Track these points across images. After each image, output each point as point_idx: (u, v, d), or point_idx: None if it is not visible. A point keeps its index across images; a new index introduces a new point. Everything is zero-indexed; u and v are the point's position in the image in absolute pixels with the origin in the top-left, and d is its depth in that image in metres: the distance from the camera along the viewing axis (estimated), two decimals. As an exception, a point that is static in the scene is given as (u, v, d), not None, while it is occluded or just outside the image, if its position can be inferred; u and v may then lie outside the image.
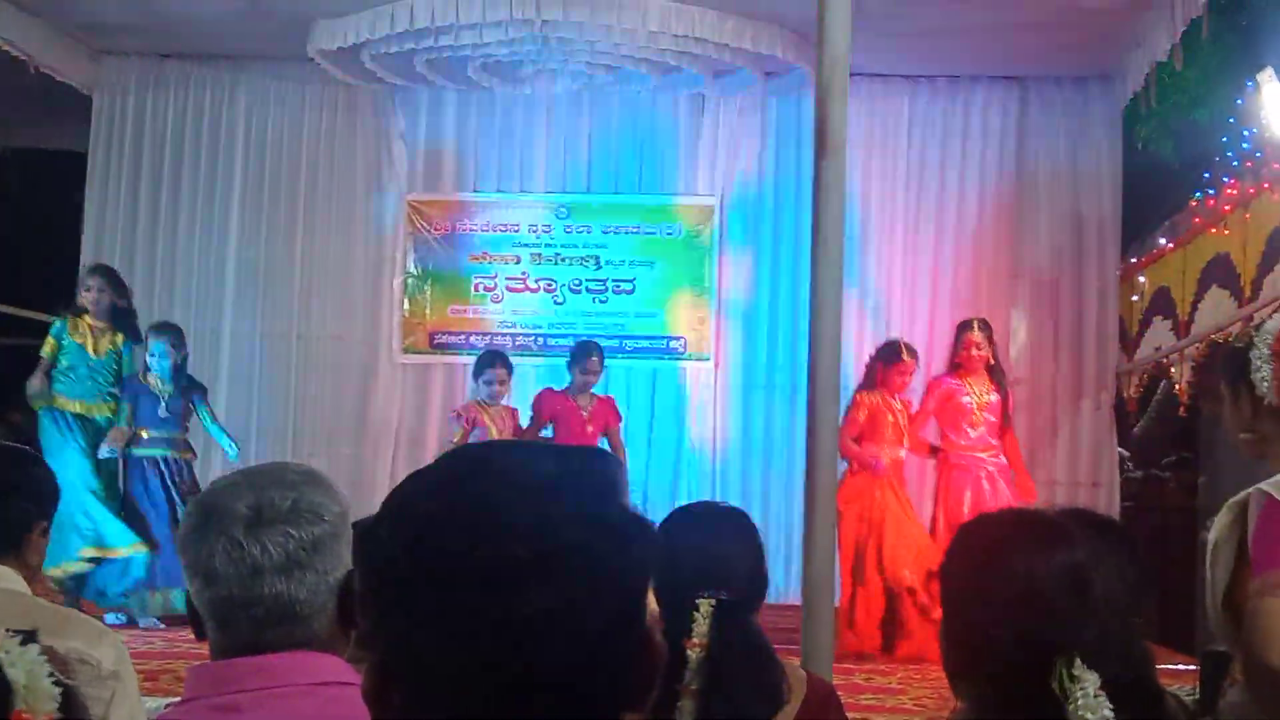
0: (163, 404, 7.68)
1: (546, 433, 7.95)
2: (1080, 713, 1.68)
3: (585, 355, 8.00)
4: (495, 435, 7.68)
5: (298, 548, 1.78)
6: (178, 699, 4.65)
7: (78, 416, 7.54)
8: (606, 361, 9.62)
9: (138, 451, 7.69)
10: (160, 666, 5.81)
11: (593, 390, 8.12)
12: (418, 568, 1.05)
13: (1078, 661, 1.73)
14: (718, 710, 2.36)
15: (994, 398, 7.56)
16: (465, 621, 1.02)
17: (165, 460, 7.68)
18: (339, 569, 1.83)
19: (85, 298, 7.67)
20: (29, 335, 9.74)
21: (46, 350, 7.63)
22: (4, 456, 2.81)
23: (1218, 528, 2.70)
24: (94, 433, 7.55)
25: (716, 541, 2.56)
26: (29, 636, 1.66)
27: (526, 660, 1.02)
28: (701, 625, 2.40)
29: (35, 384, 7.55)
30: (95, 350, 7.63)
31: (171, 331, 7.83)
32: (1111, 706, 1.70)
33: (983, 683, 1.84)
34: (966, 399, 7.53)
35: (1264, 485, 2.51)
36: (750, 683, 2.42)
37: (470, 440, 7.71)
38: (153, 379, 7.70)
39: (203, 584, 1.80)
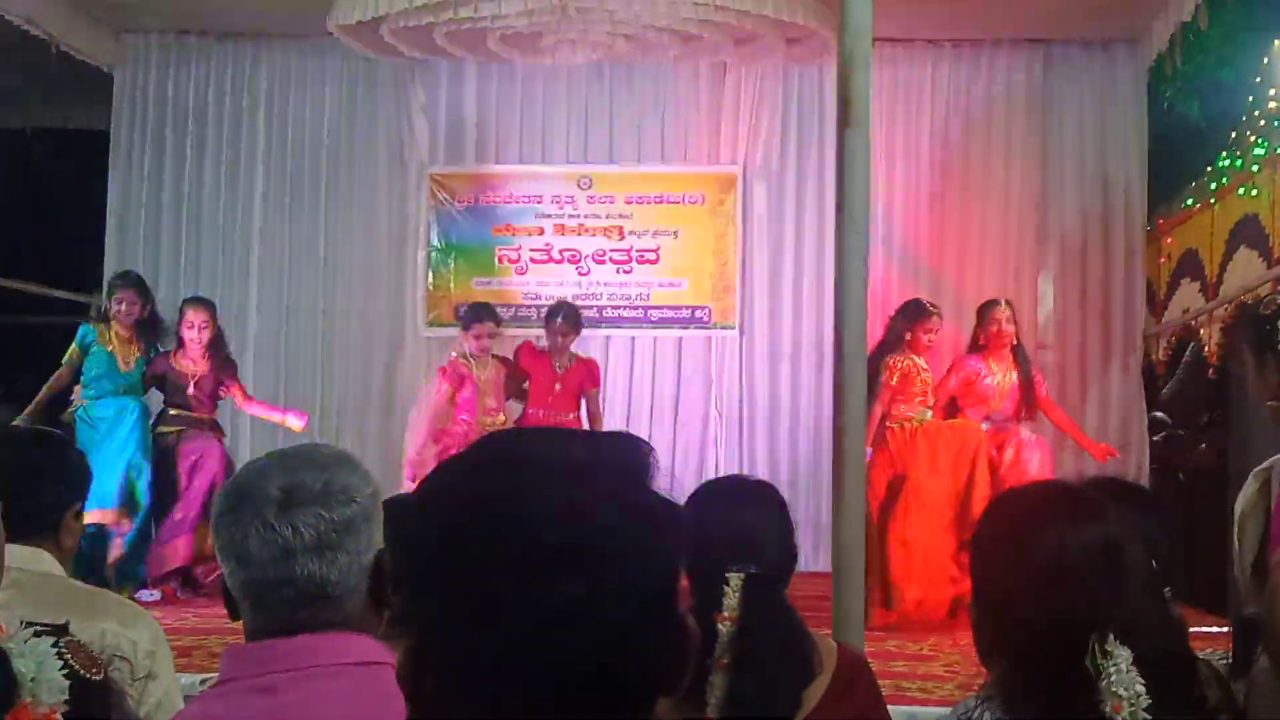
0: (193, 382, 7.68)
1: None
2: (1113, 689, 1.68)
3: (551, 316, 7.98)
4: (481, 391, 7.64)
5: (329, 529, 1.79)
6: (212, 675, 4.71)
7: (104, 419, 7.55)
8: (632, 330, 9.67)
9: (165, 429, 7.70)
10: (194, 643, 5.85)
11: (576, 353, 8.08)
12: (449, 556, 1.05)
13: (1110, 638, 1.72)
14: (749, 684, 2.37)
15: (1014, 379, 7.51)
16: (496, 609, 1.02)
17: (192, 438, 7.67)
18: (371, 550, 1.84)
19: (115, 308, 7.66)
20: (54, 314, 9.80)
21: (70, 356, 7.63)
22: (36, 441, 2.84)
23: (1244, 497, 2.70)
24: (123, 435, 7.56)
25: (746, 515, 2.56)
26: (60, 630, 1.68)
27: (558, 647, 1.02)
28: (732, 599, 2.40)
29: (55, 383, 7.56)
30: (125, 362, 7.63)
31: (208, 305, 7.83)
32: (1144, 681, 1.69)
33: (1014, 657, 1.83)
34: (988, 380, 7.50)
35: None
36: (781, 656, 2.42)
37: (460, 398, 7.70)
38: (184, 358, 7.70)
39: (236, 565, 1.81)
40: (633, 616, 1.04)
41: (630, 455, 1.11)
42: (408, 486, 7.63)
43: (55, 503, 2.67)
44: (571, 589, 1.02)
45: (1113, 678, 1.68)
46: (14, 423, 7.44)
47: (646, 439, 1.15)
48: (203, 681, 4.96)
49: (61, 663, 1.62)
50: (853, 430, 3.67)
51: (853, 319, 3.65)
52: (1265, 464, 2.70)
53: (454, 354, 7.99)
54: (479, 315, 7.90)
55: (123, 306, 7.63)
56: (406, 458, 7.80)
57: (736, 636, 2.38)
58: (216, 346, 7.80)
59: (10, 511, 2.03)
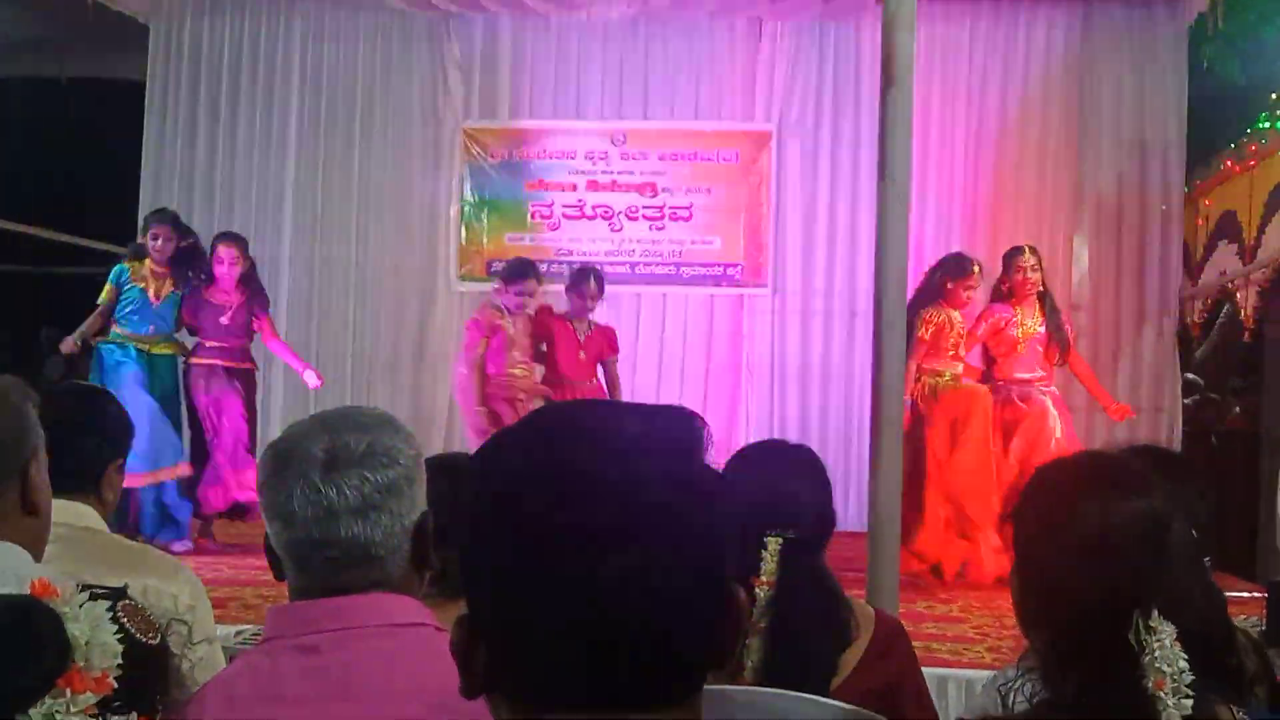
0: (228, 313, 7.72)
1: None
2: (1157, 664, 1.67)
3: (583, 280, 7.79)
4: (516, 344, 7.59)
5: (373, 490, 1.80)
6: (246, 627, 4.76)
7: (140, 350, 7.61)
8: (665, 287, 9.64)
9: (198, 361, 7.74)
10: (229, 594, 5.88)
11: (595, 320, 7.96)
12: (503, 529, 1.05)
13: (1155, 613, 1.71)
14: (786, 648, 2.38)
15: (1041, 328, 7.39)
16: (549, 583, 1.03)
17: (226, 370, 7.72)
18: (414, 511, 1.86)
19: (151, 244, 7.70)
20: (91, 264, 9.85)
21: (105, 296, 7.66)
22: (77, 395, 2.85)
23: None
24: (153, 368, 7.61)
25: (784, 479, 2.56)
26: (118, 593, 1.69)
27: (612, 619, 1.02)
28: (770, 564, 2.41)
29: (93, 324, 7.62)
30: (156, 295, 7.67)
31: (238, 240, 7.85)
32: (1186, 657, 1.69)
33: (1056, 630, 1.83)
34: (1014, 330, 7.37)
35: None
36: (818, 620, 2.43)
37: (490, 346, 7.66)
38: (217, 292, 7.74)
39: (281, 526, 1.83)
40: (685, 589, 1.05)
41: (683, 429, 1.11)
42: (474, 443, 7.68)
43: (97, 457, 2.69)
44: (625, 561, 1.02)
45: (1156, 654, 1.68)
46: (63, 342, 7.61)
47: (689, 406, 1.15)
48: (238, 634, 4.99)
49: (117, 626, 1.63)
50: (890, 396, 3.66)
51: (892, 284, 3.62)
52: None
53: (487, 304, 7.94)
54: (525, 272, 7.74)
55: (158, 242, 7.66)
56: (468, 420, 7.84)
57: (773, 601, 2.39)
58: (248, 280, 7.81)
59: (52, 467, 2.06)
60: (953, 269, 7.35)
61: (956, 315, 7.33)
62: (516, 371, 7.67)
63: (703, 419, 1.14)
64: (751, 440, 9.42)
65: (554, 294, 8.24)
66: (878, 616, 2.58)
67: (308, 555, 1.82)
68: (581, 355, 7.79)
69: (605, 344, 7.93)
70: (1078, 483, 1.91)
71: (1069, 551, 1.82)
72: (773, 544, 2.42)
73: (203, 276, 7.74)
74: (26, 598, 1.60)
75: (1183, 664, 1.67)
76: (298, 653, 1.79)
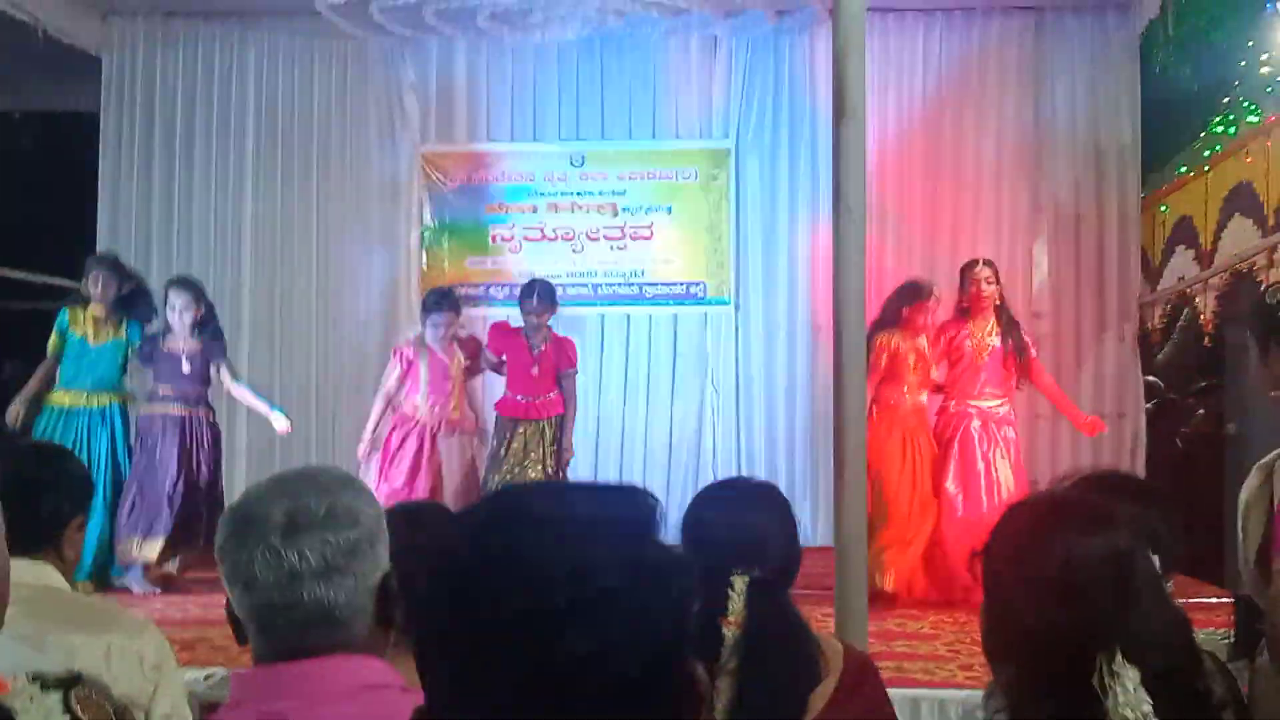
0: (184, 361, 7.65)
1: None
2: (1120, 710, 1.67)
3: (526, 295, 7.78)
4: (426, 379, 7.59)
5: (335, 553, 1.79)
6: (215, 670, 4.71)
7: (64, 411, 7.55)
8: (627, 307, 9.64)
9: (152, 409, 7.66)
10: (196, 636, 5.80)
11: (553, 331, 7.90)
12: (457, 615, 1.06)
13: (1119, 657, 1.72)
14: (755, 688, 2.37)
15: (995, 341, 7.33)
16: (505, 666, 1.03)
17: (184, 418, 7.64)
18: (376, 571, 1.85)
19: (90, 290, 7.65)
20: (44, 299, 9.77)
21: (51, 346, 7.63)
22: (37, 454, 2.83)
23: (1247, 489, 2.71)
24: (81, 426, 7.55)
25: (749, 518, 2.55)
26: (69, 682, 1.66)
27: (566, 705, 1.03)
28: (737, 603, 2.40)
29: (37, 383, 7.58)
30: (94, 338, 7.62)
31: (190, 287, 7.78)
32: (1151, 702, 1.69)
33: (1022, 667, 1.84)
34: (967, 342, 7.34)
35: None
36: (786, 659, 2.42)
37: (407, 381, 7.68)
38: (173, 339, 7.67)
39: (243, 591, 1.82)
40: (641, 672, 1.05)
41: (636, 509, 1.11)
42: (362, 465, 7.67)
43: (56, 516, 2.67)
44: (580, 646, 1.02)
45: (1119, 698, 1.68)
46: (7, 412, 7.50)
47: (649, 489, 1.15)
48: (206, 677, 4.97)
49: (70, 717, 1.61)
50: (852, 425, 3.66)
51: (851, 312, 3.63)
52: (1268, 458, 2.71)
53: (410, 335, 7.94)
54: (438, 304, 7.77)
55: (98, 287, 7.61)
56: (361, 437, 7.85)
57: (742, 640, 2.39)
58: (203, 326, 7.73)
59: (11, 525, 2.03)
60: (907, 296, 7.34)
61: (922, 341, 7.32)
62: (425, 407, 7.63)
63: (655, 497, 1.14)
64: (718, 458, 9.48)
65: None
66: (846, 652, 2.57)
67: (271, 620, 1.81)
68: (534, 370, 7.73)
69: (562, 357, 7.86)
70: (1044, 520, 1.93)
71: (1033, 589, 1.82)
72: (739, 583, 2.41)
73: (150, 320, 7.68)
74: None
75: (1147, 709, 1.68)
76: (264, 720, 1.78)
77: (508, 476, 7.50)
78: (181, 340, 7.65)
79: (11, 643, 1.90)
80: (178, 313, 7.61)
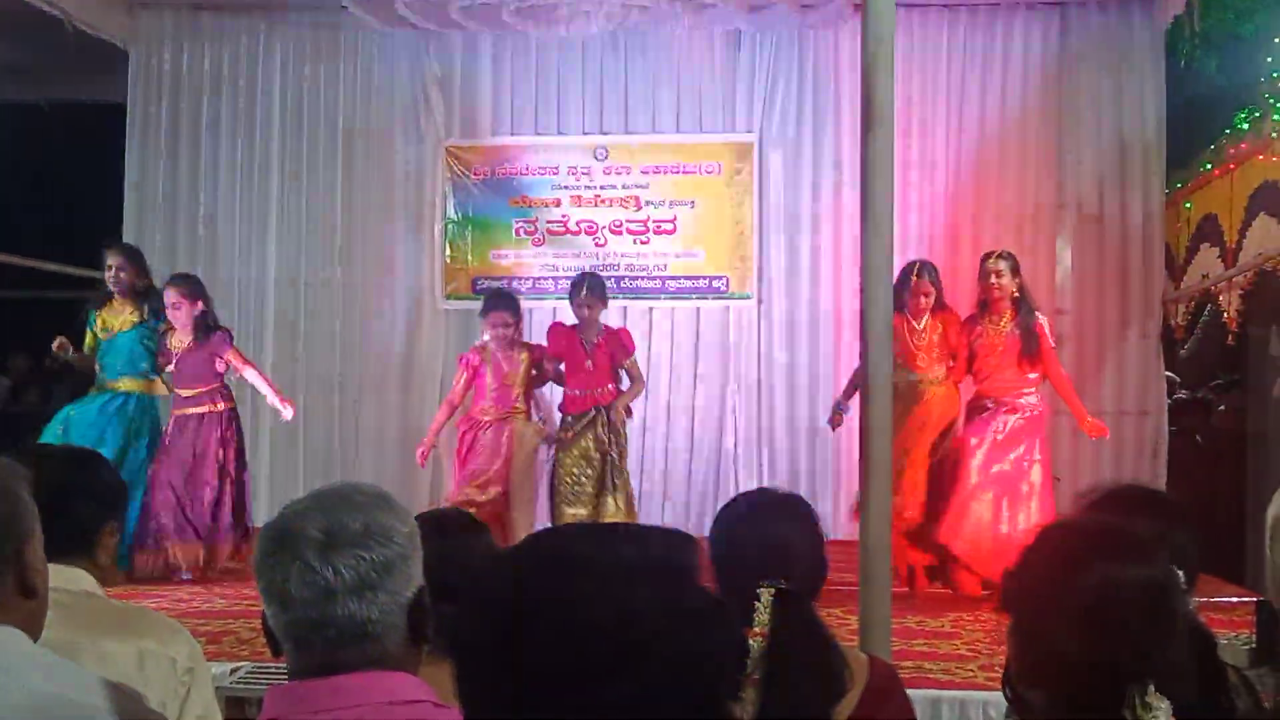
0: (190, 359, 7.68)
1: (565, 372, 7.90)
2: (1152, 743, 1.68)
3: (574, 290, 7.70)
4: (491, 383, 7.58)
5: (369, 570, 1.82)
6: (243, 664, 4.75)
7: (104, 393, 7.65)
8: (650, 300, 9.65)
9: (177, 412, 7.71)
10: (222, 629, 5.86)
11: (605, 324, 7.86)
12: (501, 660, 1.07)
13: (1150, 688, 1.72)
14: (780, 699, 2.38)
15: (1009, 331, 7.29)
16: (548, 711, 1.04)
17: (202, 417, 7.69)
18: (410, 588, 1.87)
19: (106, 275, 7.70)
20: (73, 289, 9.83)
21: (87, 345, 7.77)
22: (69, 459, 2.86)
23: (1276, 503, 2.70)
24: (121, 409, 7.62)
25: (776, 529, 2.57)
26: None
27: None
28: (763, 614, 2.42)
29: (87, 359, 7.70)
30: (105, 328, 7.69)
31: (180, 282, 7.80)
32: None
33: (1051, 694, 1.83)
34: (980, 338, 7.35)
35: None
36: (812, 671, 2.44)
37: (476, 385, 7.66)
38: (176, 337, 7.71)
39: (279, 608, 1.84)
40: (682, 716, 1.06)
41: (676, 554, 1.13)
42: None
43: (91, 521, 2.69)
44: (622, 692, 1.04)
45: (1151, 732, 1.68)
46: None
47: (687, 534, 1.16)
48: (233, 671, 5.01)
49: None
50: (878, 434, 3.67)
51: (878, 321, 3.63)
52: (1295, 473, 2.71)
53: (478, 341, 7.91)
54: (495, 304, 7.71)
55: (111, 272, 7.66)
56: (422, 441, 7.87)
57: (767, 652, 2.40)
58: (200, 322, 7.75)
59: (46, 531, 2.06)
60: (901, 278, 7.17)
61: (919, 323, 7.37)
62: (491, 409, 7.62)
63: (693, 539, 1.16)
64: (739, 452, 9.47)
65: (550, 309, 8.27)
66: (871, 664, 2.59)
67: (306, 636, 1.83)
68: (588, 364, 7.66)
69: (617, 347, 7.75)
70: (1081, 548, 1.90)
71: (1069, 618, 1.81)
72: (765, 595, 2.42)
73: (161, 319, 7.72)
74: None
75: (1176, 742, 1.68)
76: (298, 735, 1.80)
77: (567, 461, 7.51)
78: (186, 338, 7.68)
79: (46, 650, 1.93)
80: (171, 309, 7.64)
